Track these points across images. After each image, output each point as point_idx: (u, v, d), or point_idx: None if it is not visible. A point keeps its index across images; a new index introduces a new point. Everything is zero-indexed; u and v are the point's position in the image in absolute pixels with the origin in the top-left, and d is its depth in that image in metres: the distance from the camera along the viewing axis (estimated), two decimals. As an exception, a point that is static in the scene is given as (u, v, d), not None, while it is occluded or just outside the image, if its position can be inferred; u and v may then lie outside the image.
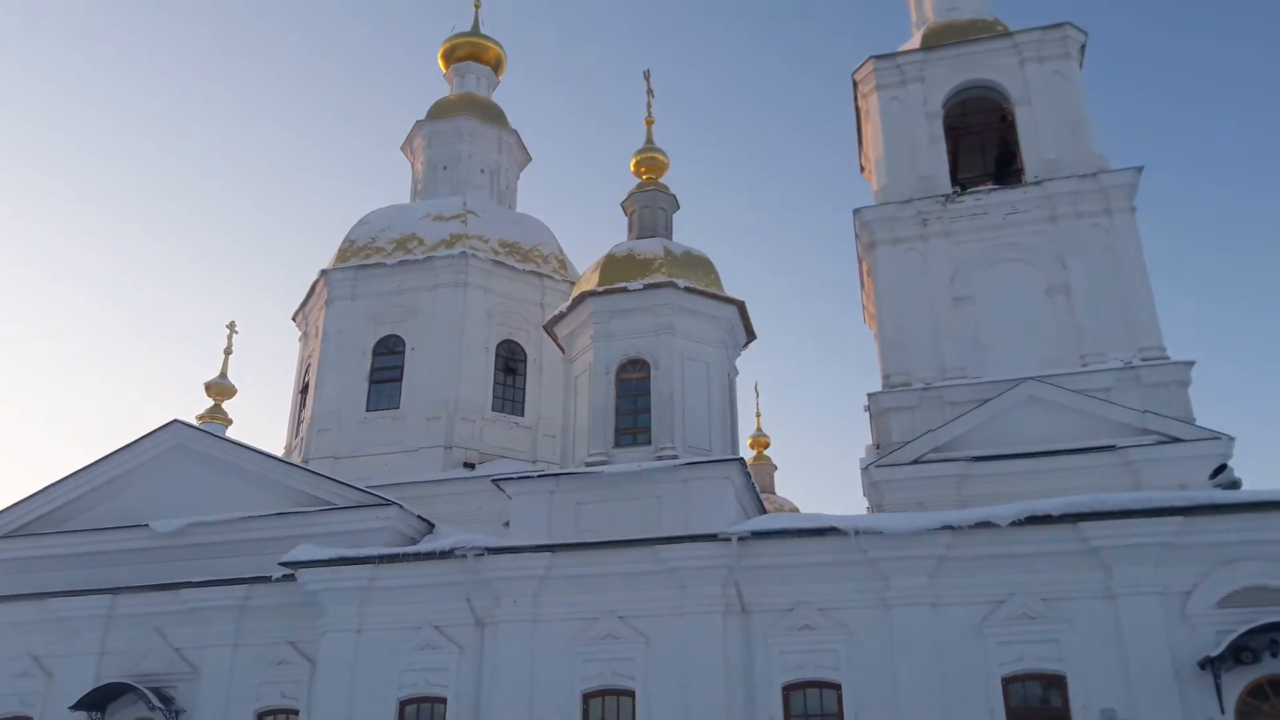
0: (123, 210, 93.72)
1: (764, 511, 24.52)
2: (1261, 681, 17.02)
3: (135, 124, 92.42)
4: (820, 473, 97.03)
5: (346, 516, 23.61)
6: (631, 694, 19.25)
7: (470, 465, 28.26)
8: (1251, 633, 16.69)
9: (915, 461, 24.70)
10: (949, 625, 18.28)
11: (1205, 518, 17.79)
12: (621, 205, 27.54)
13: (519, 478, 22.55)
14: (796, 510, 38.21)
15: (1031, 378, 24.68)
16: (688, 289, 23.89)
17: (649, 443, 22.64)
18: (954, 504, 23.05)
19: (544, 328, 26.55)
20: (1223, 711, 16.82)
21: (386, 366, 30.42)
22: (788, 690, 18.68)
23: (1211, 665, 16.84)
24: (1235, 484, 20.95)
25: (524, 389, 30.52)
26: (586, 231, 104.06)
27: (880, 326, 28.04)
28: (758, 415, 44.69)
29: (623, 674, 19.42)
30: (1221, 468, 21.87)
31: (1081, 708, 17.30)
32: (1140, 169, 26.44)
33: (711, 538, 19.51)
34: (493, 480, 22.76)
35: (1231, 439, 22.78)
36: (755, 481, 25.46)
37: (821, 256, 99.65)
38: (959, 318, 26.59)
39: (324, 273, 32.25)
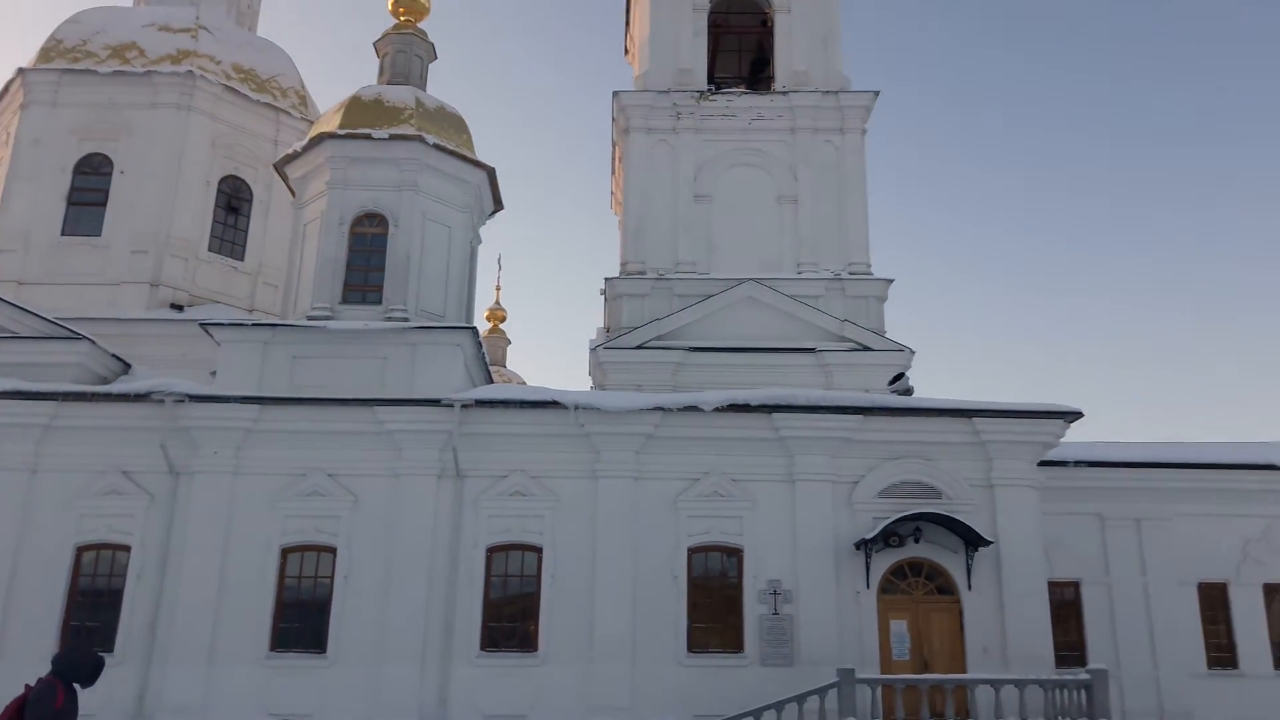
0: None
1: (491, 382, 24.77)
2: (903, 563, 19.63)
3: None
4: (553, 352, 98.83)
5: (29, 347, 21.33)
6: (333, 550, 19.20)
7: (178, 307, 26.19)
8: (901, 520, 19.13)
9: (640, 346, 25.77)
10: (648, 497, 19.60)
11: (879, 418, 19.94)
12: (375, 45, 25.91)
13: (231, 324, 21.30)
14: (525, 385, 38.81)
15: (752, 279, 26.24)
16: (437, 146, 23.08)
17: (379, 302, 22.05)
18: (670, 389, 24.39)
19: (275, 166, 24.77)
20: (868, 586, 19.31)
21: (89, 188, 27.14)
22: (491, 551, 19.39)
23: (865, 546, 19.20)
24: (909, 391, 23.61)
25: (247, 231, 28.43)
26: (333, 70, 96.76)
27: (625, 214, 28.56)
28: (497, 288, 44.71)
29: (326, 530, 19.30)
30: (899, 375, 24.54)
31: (753, 577, 19.27)
32: (876, 93, 28.20)
33: (435, 403, 19.52)
34: (201, 324, 21.33)
35: (912, 352, 25.54)
36: (487, 353, 25.60)
37: (579, 136, 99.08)
38: (697, 214, 27.59)
39: (21, 71, 28.03)
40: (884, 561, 19.51)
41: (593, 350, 26.42)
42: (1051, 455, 20.96)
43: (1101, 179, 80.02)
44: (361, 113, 23.31)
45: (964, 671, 18.67)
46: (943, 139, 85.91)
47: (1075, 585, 22.32)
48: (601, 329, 28.73)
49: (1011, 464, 19.97)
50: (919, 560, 19.56)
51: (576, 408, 19.46)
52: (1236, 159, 75.03)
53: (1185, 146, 77.22)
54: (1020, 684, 17.59)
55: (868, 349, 25.72)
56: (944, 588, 19.50)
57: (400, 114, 23.46)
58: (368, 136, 22.61)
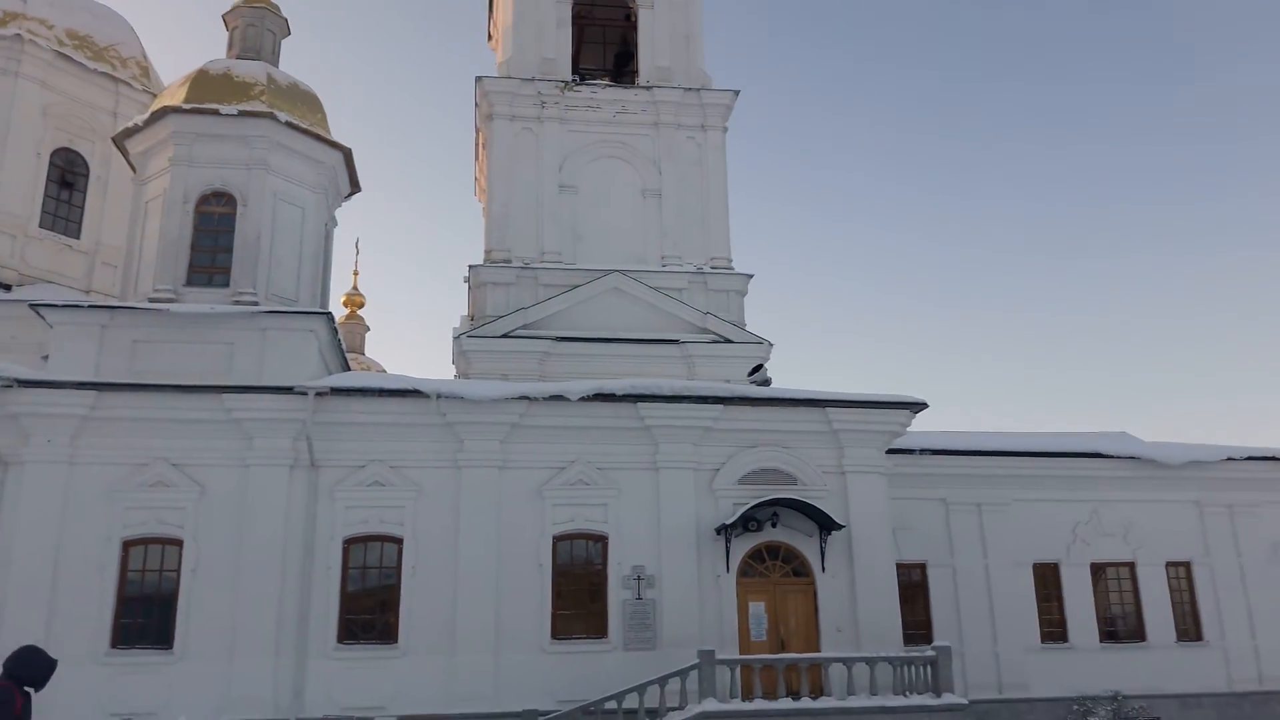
0: None
1: (348, 369, 24.04)
2: (761, 547, 20.13)
3: None
4: (415, 340, 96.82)
5: None
6: (179, 543, 18.21)
7: (6, 286, 24.35)
8: (759, 506, 19.61)
9: (505, 335, 25.55)
10: (512, 486, 19.41)
11: (739, 408, 20.38)
12: (224, 18, 24.70)
13: (65, 306, 19.92)
14: (384, 372, 37.83)
15: (618, 271, 26.41)
16: (289, 124, 22.18)
17: (227, 284, 21.04)
18: (536, 378, 24.28)
19: (114, 140, 23.26)
20: (728, 570, 19.71)
21: (-98, 156, 24.91)
22: (349, 543, 18.80)
23: (725, 531, 19.60)
24: (767, 381, 24.25)
25: (82, 208, 26.63)
26: (178, 42, 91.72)
27: (489, 201, 28.23)
28: (355, 273, 43.37)
29: (171, 522, 18.28)
30: (758, 367, 25.18)
31: (617, 563, 19.38)
32: (737, 92, 28.84)
33: (287, 391, 18.75)
34: (31, 306, 19.83)
35: (770, 344, 26.26)
36: (343, 340, 24.81)
37: (443, 120, 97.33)
38: (562, 204, 27.55)
39: None
40: (743, 546, 19.95)
41: (456, 339, 26.02)
42: (899, 443, 21.90)
43: (950, 175, 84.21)
44: (209, 87, 22.19)
45: (818, 650, 19.30)
46: (800, 139, 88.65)
47: (922, 567, 23.41)
48: (465, 317, 28.31)
49: (862, 451, 20.77)
50: (776, 544, 20.10)
51: (439, 396, 19.08)
52: (1072, 155, 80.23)
53: (1024, 142, 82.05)
54: (871, 661, 18.34)
55: (729, 341, 26.28)
56: (799, 570, 20.11)
57: (251, 90, 22.46)
58: (215, 112, 21.55)
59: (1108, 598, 24.22)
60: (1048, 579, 23.95)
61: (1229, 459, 24.91)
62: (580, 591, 19.36)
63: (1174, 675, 23.45)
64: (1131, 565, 24.29)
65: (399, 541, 18.87)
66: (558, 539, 19.44)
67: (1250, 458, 25.04)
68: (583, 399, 19.65)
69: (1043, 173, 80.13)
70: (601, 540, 19.59)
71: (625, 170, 28.37)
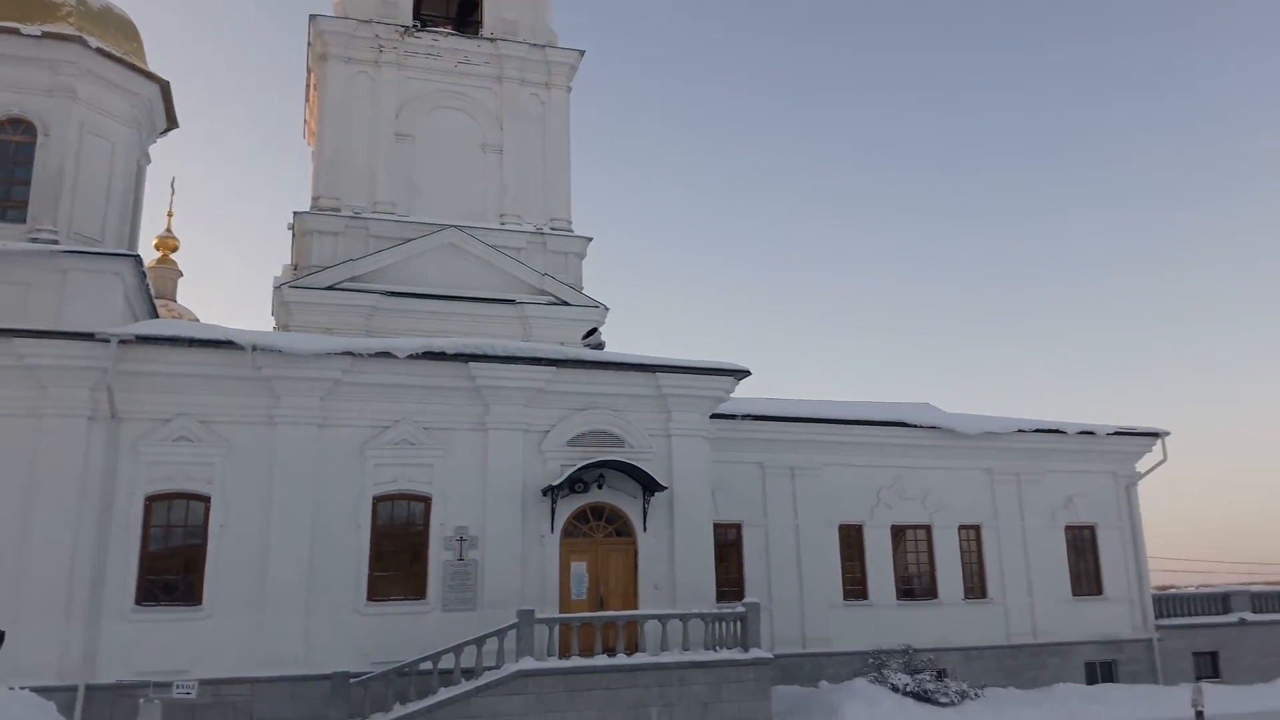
0: None
1: (156, 317, 22.70)
2: (586, 508, 20.43)
3: None
4: (233, 289, 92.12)
5: None
6: (-43, 498, 16.82)
7: None
8: (587, 468, 19.88)
9: (331, 288, 24.75)
10: (332, 445, 18.87)
11: (573, 370, 20.48)
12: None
13: None
14: (197, 321, 35.88)
15: (454, 226, 25.98)
16: (101, 51, 20.60)
17: (23, 220, 19.60)
18: (362, 333, 23.67)
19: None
20: (552, 530, 19.94)
21: None
22: (151, 500, 17.86)
23: (552, 493, 19.78)
24: (600, 345, 24.51)
25: None
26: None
27: (319, 146, 27.11)
28: (169, 214, 40.72)
29: (-52, 476, 16.85)
30: (593, 330, 25.41)
31: (440, 524, 19.23)
32: (582, 52, 28.68)
33: (87, 337, 17.50)
34: None
35: (606, 308, 26.53)
36: (153, 286, 23.40)
37: (270, 59, 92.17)
38: (398, 154, 26.79)
39: None
40: (569, 507, 20.21)
41: (277, 289, 25.01)
42: (722, 409, 22.65)
43: (789, 144, 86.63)
44: (10, 3, 20.28)
45: (636, 608, 19.86)
46: (643, 104, 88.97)
47: (738, 526, 24.39)
48: (289, 267, 27.23)
49: (688, 416, 21.34)
50: (601, 505, 20.47)
51: (254, 349, 18.24)
52: (905, 122, 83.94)
53: (860, 108, 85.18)
54: (685, 618, 19.05)
55: (565, 303, 26.37)
56: (622, 530, 20.57)
57: (57, 10, 20.70)
58: (16, 32, 19.79)
59: (905, 558, 25.97)
60: (852, 539, 25.44)
61: (1020, 431, 27.05)
62: (400, 553, 19.10)
63: (961, 629, 25.47)
64: (928, 528, 26.12)
65: (206, 500, 18.04)
66: (379, 499, 19.08)
67: (1038, 430, 27.27)
68: (411, 357, 19.26)
69: (877, 142, 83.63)
70: (425, 501, 19.37)
71: (466, 123, 27.81)
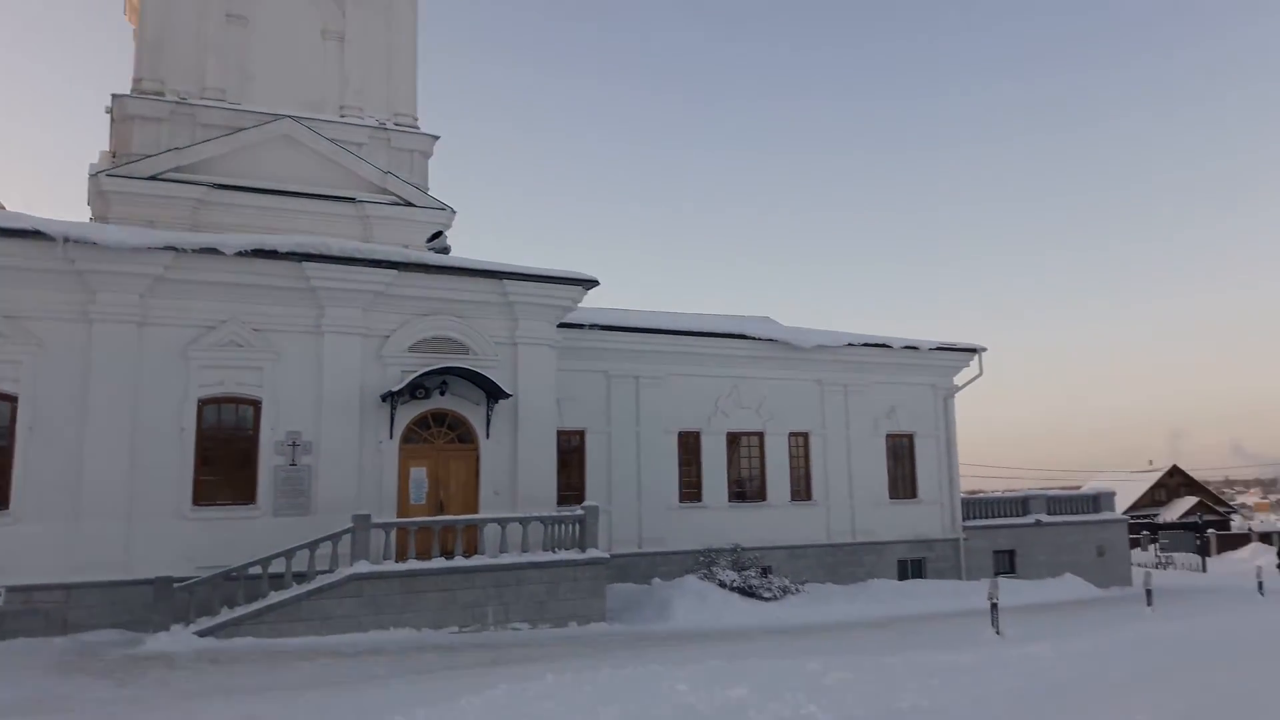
0: None
1: (-48, 201, 20.75)
2: (427, 414, 20.31)
3: None
4: (46, 177, 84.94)
5: None
6: None
7: None
8: (429, 374, 19.69)
9: (154, 178, 23.27)
10: (154, 345, 17.94)
11: (415, 274, 20.05)
12: None
13: None
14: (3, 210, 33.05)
15: (290, 116, 24.69)
16: None
17: None
18: (188, 227, 22.45)
19: None
20: (391, 437, 19.76)
21: None
22: (-49, 401, 16.63)
23: (391, 398, 19.55)
24: (446, 249, 24.02)
25: None
26: None
27: (141, 23, 25.06)
28: (-30, 89, 36.86)
29: None
30: (438, 233, 24.87)
31: (270, 429, 18.73)
32: (430, -61, 27.30)
33: None
34: None
35: (453, 211, 25.99)
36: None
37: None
38: (230, 36, 25.10)
39: None
40: (409, 413, 20.04)
41: (94, 177, 23.28)
42: (570, 318, 22.79)
43: (633, 67, 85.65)
44: None
45: (477, 513, 20.09)
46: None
47: (581, 434, 24.85)
48: (107, 154, 25.32)
49: (534, 324, 21.37)
50: (443, 411, 20.40)
51: (66, 240, 16.98)
52: (739, 52, 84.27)
53: (692, 33, 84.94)
54: (524, 521, 19.45)
55: (409, 204, 25.67)
56: (464, 437, 20.62)
57: None
58: None
59: (739, 463, 27.14)
60: (690, 446, 26.36)
61: (849, 344, 28.41)
62: (229, 457, 18.51)
63: (786, 530, 27.00)
64: (761, 435, 27.32)
65: (13, 399, 16.89)
66: (204, 402, 18.36)
67: (866, 344, 28.72)
68: (241, 254, 18.37)
69: (712, 69, 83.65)
70: (255, 405, 18.77)
71: (304, 6, 26.25)
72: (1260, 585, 29.68)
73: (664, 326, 25.82)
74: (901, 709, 9.81)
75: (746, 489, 27.15)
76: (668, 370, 26.02)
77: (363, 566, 17.04)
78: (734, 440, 27.06)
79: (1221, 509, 79.09)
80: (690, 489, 26.20)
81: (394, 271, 19.71)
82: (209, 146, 23.77)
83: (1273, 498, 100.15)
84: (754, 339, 26.88)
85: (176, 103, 24.08)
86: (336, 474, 18.99)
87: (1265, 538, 51.34)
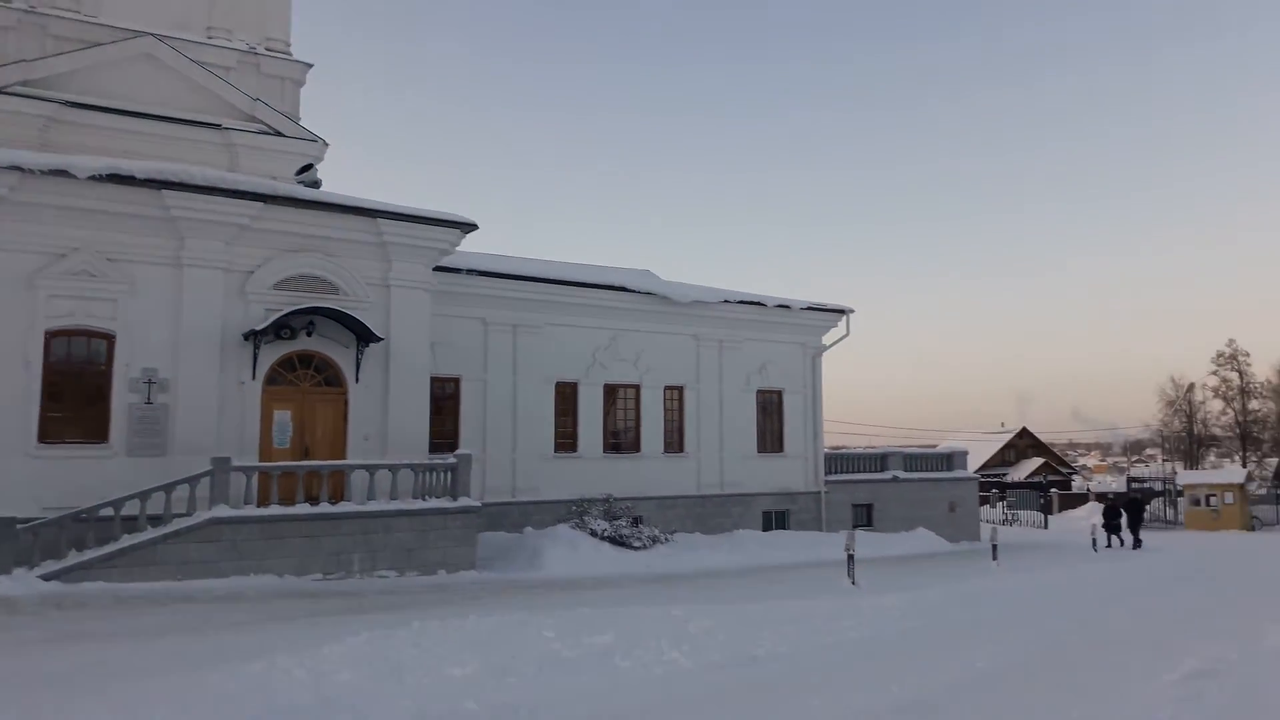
0: None
1: None
2: (293, 355, 19.65)
3: None
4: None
5: None
6: None
7: None
8: (295, 314, 19.02)
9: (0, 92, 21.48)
10: (-6, 272, 16.74)
11: (283, 208, 19.24)
12: None
13: None
14: None
15: (153, 34, 23.15)
16: None
17: None
18: (37, 147, 20.89)
19: None
20: (254, 377, 19.06)
21: None
22: None
23: (255, 337, 18.81)
24: (316, 184, 23.13)
25: None
26: None
27: (-19, -84, 22.89)
28: None
29: None
30: (308, 166, 23.90)
31: (125, 365, 17.78)
32: None
33: None
34: None
35: (325, 144, 24.98)
36: None
37: None
38: (85, -59, 23.22)
39: None
40: (274, 353, 19.36)
41: (-74, 85, 21.34)
42: (446, 262, 22.36)
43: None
44: None
45: (345, 459, 19.65)
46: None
47: (456, 381, 24.53)
48: (-59, 60, 23.20)
49: (409, 266, 20.87)
50: (310, 353, 19.78)
51: (-106, 153, 15.61)
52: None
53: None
54: (394, 468, 19.14)
55: (279, 134, 24.55)
56: (332, 380, 20.07)
57: None
58: None
59: (615, 415, 27.38)
60: (567, 396, 26.40)
61: (725, 301, 28.88)
62: (79, 393, 17.50)
63: (659, 481, 27.46)
64: (638, 388, 27.58)
65: None
66: (52, 334, 17.25)
67: (741, 301, 29.24)
68: (94, 178, 17.25)
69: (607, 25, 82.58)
70: (108, 339, 17.76)
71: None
72: (1094, 542, 32.09)
73: (543, 275, 25.63)
74: (758, 655, 10.19)
75: (621, 440, 27.43)
76: (546, 320, 25.89)
77: (223, 510, 16.48)
78: (611, 392, 27.23)
79: (1064, 470, 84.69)
80: (566, 439, 26.28)
81: (260, 204, 18.89)
82: (61, 60, 22.09)
83: (1110, 460, 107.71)
84: (634, 292, 26.98)
85: (25, 11, 22.25)
86: (195, 414, 18.23)
87: (1101, 497, 55.24)
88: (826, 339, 31.59)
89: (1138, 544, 32.21)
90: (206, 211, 18.37)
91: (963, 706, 7.95)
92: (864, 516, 31.96)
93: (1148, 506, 44.66)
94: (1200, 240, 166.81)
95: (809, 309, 30.65)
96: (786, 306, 30.08)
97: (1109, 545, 32.30)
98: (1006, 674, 9.35)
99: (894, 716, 7.55)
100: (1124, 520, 33.09)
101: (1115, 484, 69.30)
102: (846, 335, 31.39)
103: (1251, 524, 46.28)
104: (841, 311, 31.19)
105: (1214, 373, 69.50)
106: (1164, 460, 73.12)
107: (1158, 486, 53.47)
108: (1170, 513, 50.18)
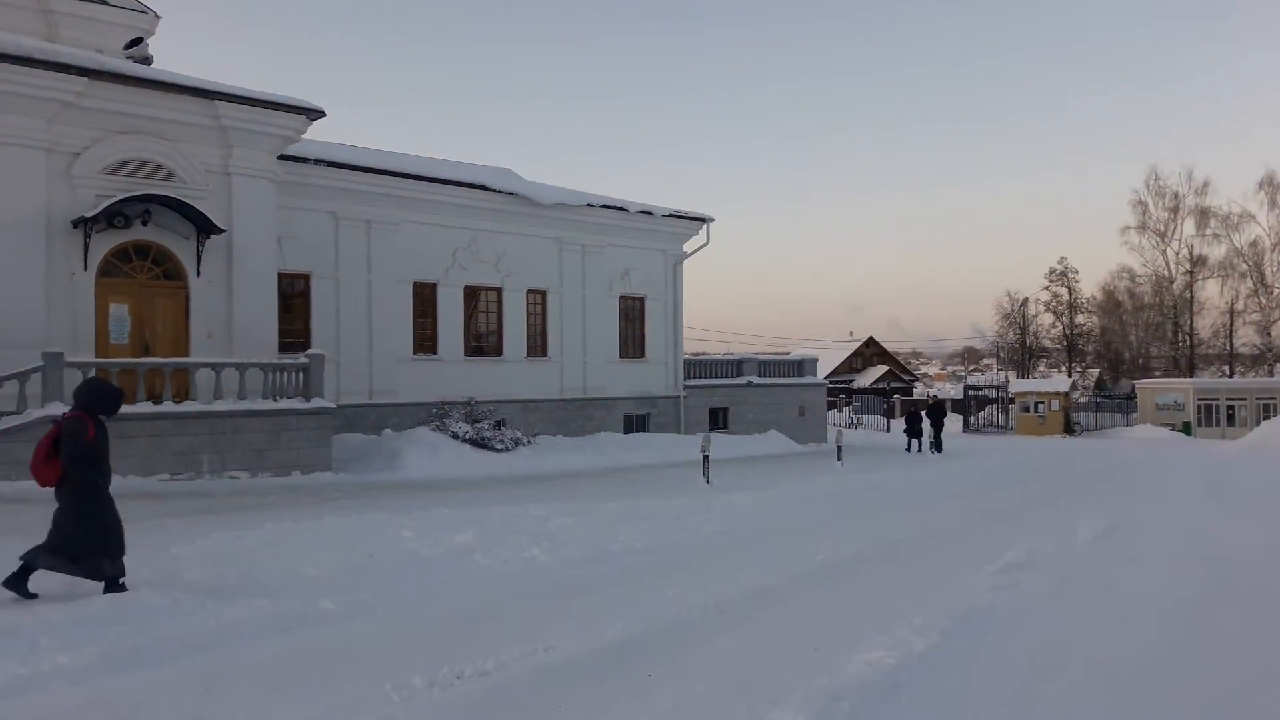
0: None
1: None
2: (128, 245, 18.37)
3: None
4: None
5: None
6: None
7: None
8: (128, 201, 17.71)
9: None
10: None
11: (110, 85, 17.67)
12: None
13: None
14: None
15: (-50, -122, 20.51)
16: None
17: None
18: None
19: None
20: (86, 268, 17.75)
21: None
22: None
23: (85, 225, 17.46)
24: (148, 60, 21.31)
25: None
26: None
27: None
28: None
29: None
30: (138, 40, 21.96)
31: (-68, 251, 16.23)
32: None
33: None
34: None
35: (157, 16, 22.99)
36: None
37: None
38: None
39: None
40: (106, 243, 18.06)
41: None
42: (293, 150, 21.18)
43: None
44: None
45: (188, 356, 18.70)
46: None
47: (306, 278, 23.50)
48: None
49: (251, 154, 19.66)
50: (146, 244, 18.54)
51: None
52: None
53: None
54: (241, 367, 18.36)
55: (105, 2, 22.40)
56: (171, 273, 18.92)
57: None
58: None
59: (477, 318, 26.96)
60: (425, 297, 25.76)
61: (588, 205, 28.57)
62: (-123, 281, 15.95)
63: (521, 384, 27.37)
64: (499, 290, 27.18)
65: None
66: None
67: (604, 206, 29.00)
68: (-116, 41, 15.37)
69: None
70: (-90, 222, 16.15)
71: None
72: (933, 445, 33.51)
73: (398, 169, 24.62)
74: (615, 550, 10.44)
75: (484, 343, 27.11)
76: (403, 217, 25.01)
77: (56, 408, 15.44)
78: (472, 294, 26.73)
79: (907, 377, 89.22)
80: (425, 341, 25.75)
81: (83, 79, 17.29)
82: None
83: (950, 370, 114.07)
84: (494, 191, 26.33)
85: None
86: (20, 306, 16.90)
87: (918, 404, 58.39)
88: (688, 246, 31.83)
89: (937, 447, 31.54)
90: (23, 84, 16.71)
91: (803, 594, 8.39)
92: (720, 419, 32.89)
93: (949, 412, 46.09)
94: (1038, 162, 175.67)
95: (671, 215, 30.71)
96: (650, 213, 30.05)
97: (907, 449, 31.63)
98: (844, 565, 9.90)
99: (743, 603, 7.90)
100: (926, 425, 32.42)
101: (954, 391, 73.54)
102: (707, 244, 31.74)
103: (1073, 429, 50.20)
104: (702, 220, 31.40)
105: (1046, 288, 74.05)
106: (999, 370, 77.94)
107: (992, 394, 56.99)
108: (1003, 419, 53.78)
